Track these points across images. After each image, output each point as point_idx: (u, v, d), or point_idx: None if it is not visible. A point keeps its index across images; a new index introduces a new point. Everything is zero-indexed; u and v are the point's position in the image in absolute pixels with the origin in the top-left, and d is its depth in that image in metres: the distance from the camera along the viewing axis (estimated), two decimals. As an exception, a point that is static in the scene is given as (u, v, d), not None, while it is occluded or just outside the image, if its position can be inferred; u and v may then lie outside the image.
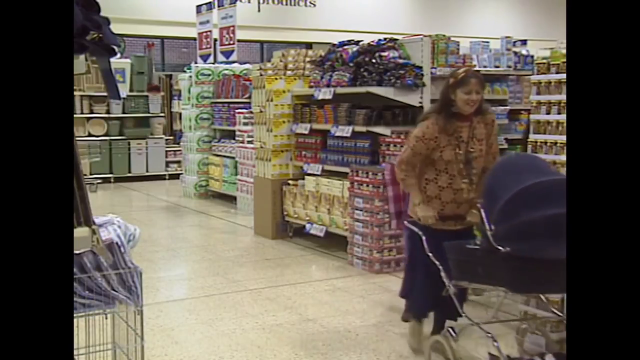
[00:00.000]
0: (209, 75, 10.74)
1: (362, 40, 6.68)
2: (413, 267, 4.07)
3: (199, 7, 12.25)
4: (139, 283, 2.67)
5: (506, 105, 6.67)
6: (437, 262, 3.51)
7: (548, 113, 3.93)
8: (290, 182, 7.27)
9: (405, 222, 4.00)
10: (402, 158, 3.88)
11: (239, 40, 11.22)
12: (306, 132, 7.05)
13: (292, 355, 4.06)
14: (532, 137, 4.02)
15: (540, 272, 3.01)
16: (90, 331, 2.85)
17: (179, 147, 12.45)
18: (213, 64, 11.30)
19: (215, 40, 11.77)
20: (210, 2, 11.84)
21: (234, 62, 11.11)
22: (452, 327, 3.57)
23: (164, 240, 7.57)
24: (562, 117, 3.83)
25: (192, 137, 10.66)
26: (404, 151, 3.88)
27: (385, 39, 6.28)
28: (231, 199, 9.71)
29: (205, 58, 11.81)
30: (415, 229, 3.76)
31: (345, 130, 6.34)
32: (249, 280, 5.77)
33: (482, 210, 3.08)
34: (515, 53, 6.99)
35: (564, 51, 3.89)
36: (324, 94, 6.57)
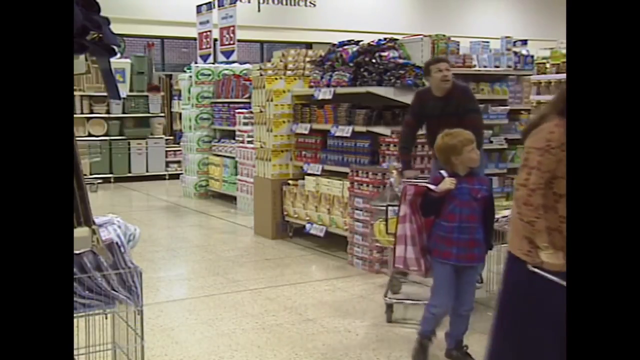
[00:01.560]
0: (209, 75, 10.74)
1: (362, 40, 6.69)
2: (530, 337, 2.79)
3: (199, 7, 12.26)
4: (139, 283, 2.67)
5: (506, 105, 6.67)
6: None
7: (548, 113, 3.92)
8: (290, 182, 7.27)
9: (533, 269, 2.74)
10: (528, 189, 2.68)
11: (239, 40, 11.22)
12: (306, 132, 7.05)
13: (292, 355, 4.06)
14: (532, 137, 4.01)
15: None
16: (90, 331, 2.85)
17: (179, 147, 12.46)
18: (213, 64, 11.30)
19: (215, 40, 11.77)
20: (210, 2, 11.85)
21: (234, 62, 11.12)
22: None
23: (164, 240, 7.57)
24: (562, 117, 3.83)
25: (192, 137, 10.67)
26: (526, 177, 2.70)
27: (385, 39, 6.29)
28: (231, 199, 9.71)
29: (205, 58, 11.82)
30: (555, 279, 2.63)
31: (345, 130, 6.34)
32: (249, 280, 5.77)
33: None
34: (515, 53, 6.99)
35: (564, 51, 3.90)
36: (324, 94, 6.57)
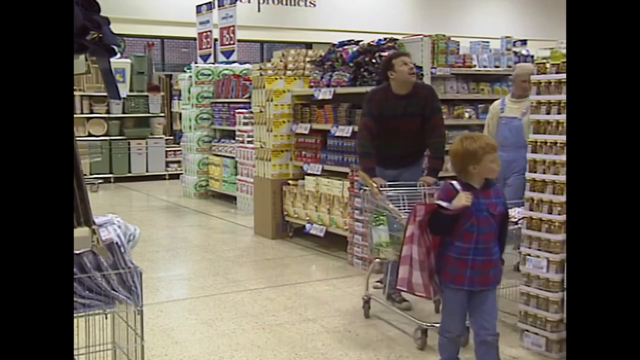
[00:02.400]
0: (209, 75, 10.74)
1: (362, 40, 6.69)
2: None
3: (199, 7, 12.26)
4: (139, 283, 2.67)
5: (506, 105, 6.66)
6: None
7: (548, 113, 3.93)
8: (290, 182, 7.27)
9: None
10: None
11: (239, 40, 11.22)
12: (306, 132, 7.05)
13: (292, 355, 4.06)
14: (532, 137, 4.02)
15: None
16: (90, 331, 2.85)
17: (179, 147, 12.46)
18: (213, 64, 11.31)
19: (215, 40, 11.77)
20: (210, 2, 11.85)
21: (234, 62, 11.12)
22: None
23: (164, 240, 7.57)
24: (562, 117, 3.83)
25: (192, 137, 10.67)
26: None
27: (385, 39, 6.29)
28: (231, 199, 9.71)
29: (205, 58, 11.82)
30: None
31: (345, 130, 6.34)
32: (249, 280, 5.77)
33: None
34: (515, 53, 6.99)
35: (564, 51, 3.89)
36: (324, 94, 6.57)
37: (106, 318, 2.83)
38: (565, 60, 3.87)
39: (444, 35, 6.35)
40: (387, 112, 4.88)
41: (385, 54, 6.03)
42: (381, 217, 4.47)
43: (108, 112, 12.35)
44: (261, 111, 7.58)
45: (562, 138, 3.83)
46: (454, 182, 3.27)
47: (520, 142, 5.38)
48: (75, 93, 11.53)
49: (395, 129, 4.90)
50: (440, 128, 4.92)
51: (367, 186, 4.55)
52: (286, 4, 16.14)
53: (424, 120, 4.89)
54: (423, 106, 4.89)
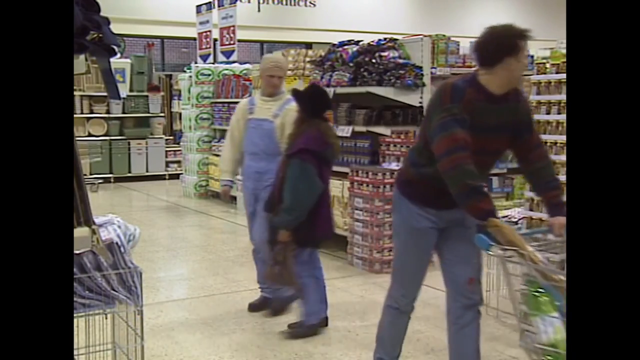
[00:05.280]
0: (209, 75, 10.74)
1: (362, 40, 6.69)
2: None
3: (199, 7, 12.26)
4: (139, 283, 2.67)
5: (506, 105, 6.66)
6: None
7: (548, 113, 3.93)
8: (290, 182, 7.26)
9: None
10: None
11: (239, 40, 11.22)
12: (306, 132, 7.04)
13: (292, 355, 4.06)
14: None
15: None
16: (90, 331, 2.85)
17: (179, 147, 12.47)
18: (213, 64, 11.31)
19: (215, 40, 11.77)
20: (210, 2, 11.85)
21: (234, 62, 11.12)
22: None
23: (164, 240, 7.57)
24: (562, 117, 3.84)
25: (192, 137, 10.67)
26: None
27: (385, 39, 6.29)
28: (231, 199, 9.70)
29: (205, 58, 11.82)
30: None
31: (345, 130, 6.34)
32: (249, 280, 5.76)
33: None
34: (515, 53, 6.97)
35: (564, 51, 3.90)
36: (324, 94, 6.56)
37: (106, 318, 2.83)
38: (565, 60, 3.87)
39: (444, 35, 6.36)
40: (477, 121, 2.96)
41: (385, 54, 6.00)
42: (543, 298, 2.76)
43: (108, 112, 12.35)
44: (261, 111, 7.56)
45: (562, 138, 3.83)
46: None
47: (273, 148, 4.64)
48: (75, 93, 11.53)
49: (481, 148, 3.00)
50: (544, 146, 3.36)
51: (496, 242, 2.84)
52: (286, 4, 16.14)
53: (513, 138, 3.13)
54: (523, 115, 3.15)
